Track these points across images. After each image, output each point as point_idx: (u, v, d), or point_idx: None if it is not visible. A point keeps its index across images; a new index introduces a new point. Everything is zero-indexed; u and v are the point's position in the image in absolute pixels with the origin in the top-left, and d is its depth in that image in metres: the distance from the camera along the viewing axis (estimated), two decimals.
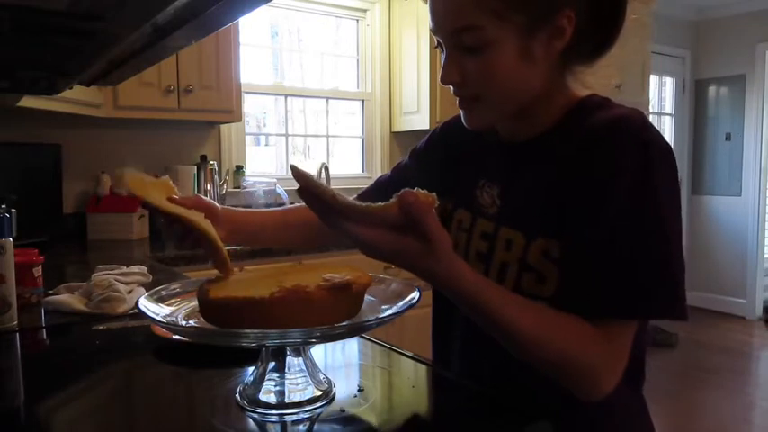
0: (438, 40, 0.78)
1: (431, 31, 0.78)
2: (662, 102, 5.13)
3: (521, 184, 0.80)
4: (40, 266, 1.29)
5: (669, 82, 5.13)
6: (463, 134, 0.91)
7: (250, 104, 3.15)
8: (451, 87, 0.78)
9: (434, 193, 0.61)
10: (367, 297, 0.75)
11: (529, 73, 0.74)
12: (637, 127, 0.70)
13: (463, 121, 0.82)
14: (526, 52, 0.73)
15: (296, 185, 0.61)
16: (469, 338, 0.88)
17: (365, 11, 3.39)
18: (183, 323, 0.73)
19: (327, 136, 3.40)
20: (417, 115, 3.22)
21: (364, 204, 0.60)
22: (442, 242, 0.62)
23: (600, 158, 0.70)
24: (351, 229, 0.60)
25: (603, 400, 0.72)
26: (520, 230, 0.77)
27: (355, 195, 1.08)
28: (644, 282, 0.68)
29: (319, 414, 0.70)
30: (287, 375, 0.71)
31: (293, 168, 0.62)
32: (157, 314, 0.71)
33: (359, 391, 0.77)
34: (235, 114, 2.60)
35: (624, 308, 0.68)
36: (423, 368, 0.88)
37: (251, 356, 0.82)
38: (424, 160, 1.00)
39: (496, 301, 0.66)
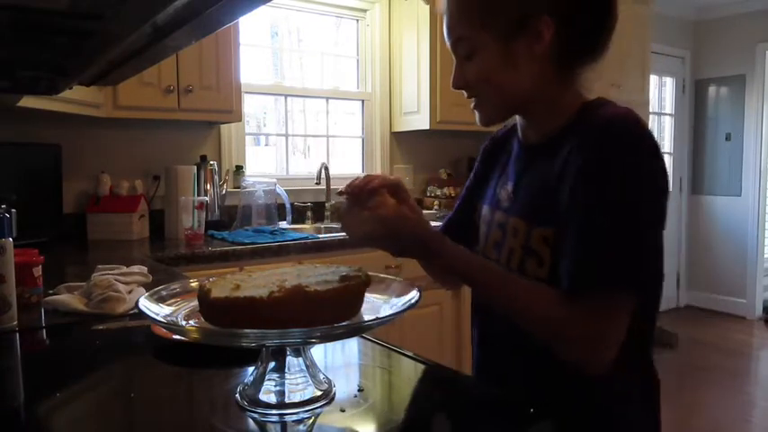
0: None
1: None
2: (662, 102, 5.13)
3: (528, 179, 0.90)
4: (40, 266, 1.29)
5: (669, 82, 5.13)
6: (500, 145, 1.03)
7: (250, 104, 3.14)
8: (464, 93, 0.90)
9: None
10: (367, 297, 0.75)
11: (516, 74, 0.84)
12: (628, 125, 0.76)
13: (476, 120, 0.91)
14: (508, 55, 0.83)
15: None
16: (485, 340, 0.92)
17: (365, 11, 3.39)
18: (183, 323, 0.73)
19: (327, 136, 3.40)
20: (417, 115, 3.22)
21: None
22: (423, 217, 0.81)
23: (591, 152, 0.77)
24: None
25: (608, 402, 0.76)
26: (523, 220, 0.86)
27: (450, 213, 1.16)
28: (608, 256, 0.74)
29: (319, 414, 0.70)
30: (287, 375, 0.71)
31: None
32: (157, 314, 0.71)
33: (359, 391, 0.77)
34: (235, 114, 2.59)
35: (592, 277, 0.74)
36: (423, 368, 0.88)
37: (251, 356, 0.82)
38: (477, 174, 1.09)
39: (473, 269, 0.82)
